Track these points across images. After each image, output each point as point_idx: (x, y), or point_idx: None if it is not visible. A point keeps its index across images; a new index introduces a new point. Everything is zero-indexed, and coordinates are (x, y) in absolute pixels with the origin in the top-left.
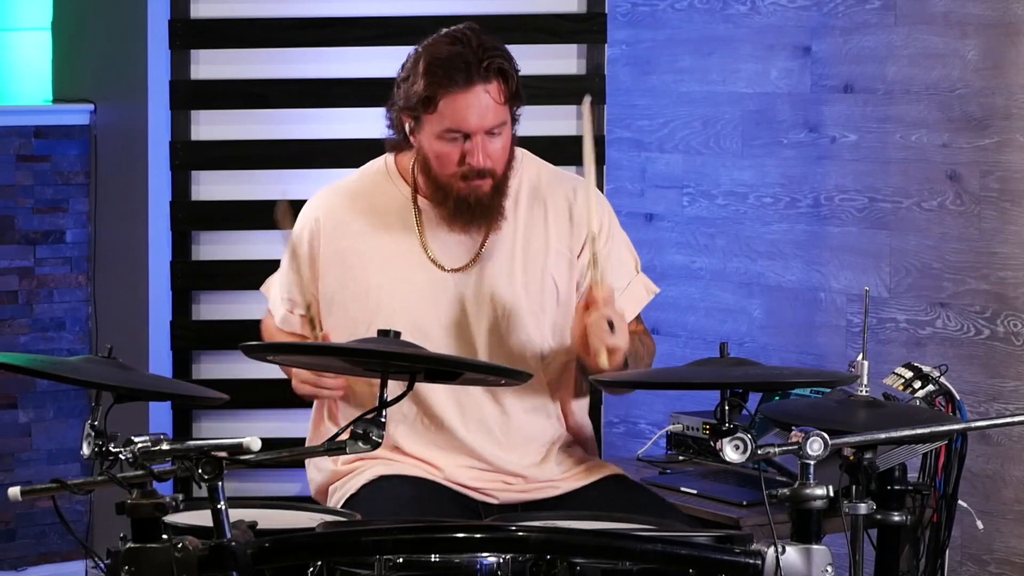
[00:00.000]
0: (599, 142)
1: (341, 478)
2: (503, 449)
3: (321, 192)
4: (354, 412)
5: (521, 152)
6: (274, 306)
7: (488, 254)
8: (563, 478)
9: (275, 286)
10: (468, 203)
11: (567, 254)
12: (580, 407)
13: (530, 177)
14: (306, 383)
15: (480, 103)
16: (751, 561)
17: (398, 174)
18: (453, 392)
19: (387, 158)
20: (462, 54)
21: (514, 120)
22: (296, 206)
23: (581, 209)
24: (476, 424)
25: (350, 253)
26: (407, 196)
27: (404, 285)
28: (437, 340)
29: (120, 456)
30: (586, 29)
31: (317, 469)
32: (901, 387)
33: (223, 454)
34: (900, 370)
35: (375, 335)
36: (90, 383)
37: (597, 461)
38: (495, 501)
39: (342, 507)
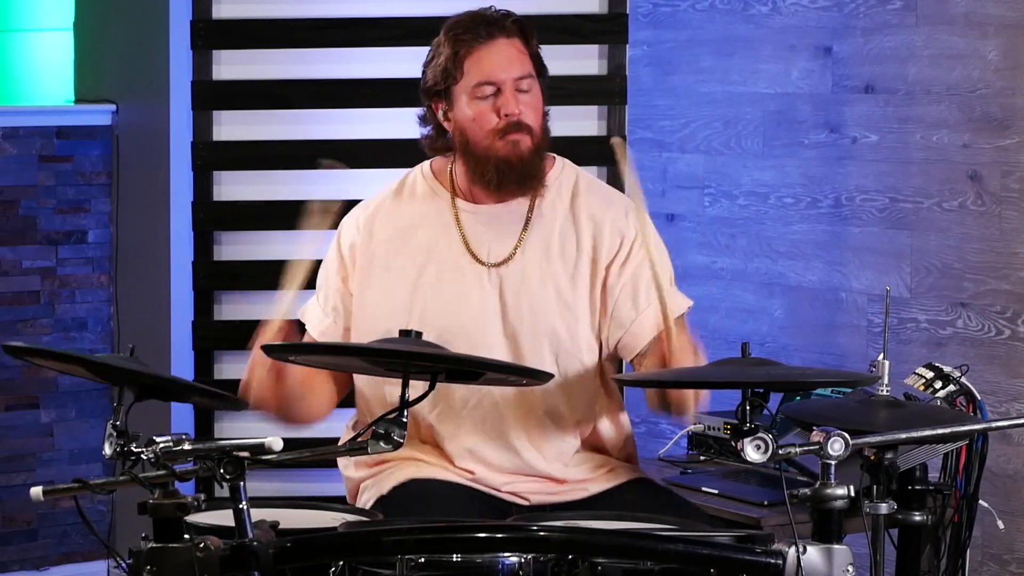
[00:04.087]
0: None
1: (371, 478)
2: (538, 447)
3: (362, 203)
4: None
5: (563, 160)
6: (312, 325)
7: (527, 248)
8: (591, 478)
9: (312, 307)
10: (511, 164)
11: (598, 261)
12: (608, 416)
13: (569, 183)
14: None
15: (505, 53)
16: (772, 561)
17: (434, 179)
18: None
19: (423, 166)
20: (481, 14)
21: (542, 83)
22: (324, 206)
23: (614, 219)
24: (517, 419)
25: (391, 255)
26: (446, 199)
27: (446, 281)
28: (476, 335)
29: (142, 456)
30: (607, 30)
31: (352, 468)
32: (922, 387)
33: (245, 454)
34: (921, 370)
35: (400, 328)
36: (114, 368)
37: (622, 464)
38: (526, 503)
39: (371, 507)
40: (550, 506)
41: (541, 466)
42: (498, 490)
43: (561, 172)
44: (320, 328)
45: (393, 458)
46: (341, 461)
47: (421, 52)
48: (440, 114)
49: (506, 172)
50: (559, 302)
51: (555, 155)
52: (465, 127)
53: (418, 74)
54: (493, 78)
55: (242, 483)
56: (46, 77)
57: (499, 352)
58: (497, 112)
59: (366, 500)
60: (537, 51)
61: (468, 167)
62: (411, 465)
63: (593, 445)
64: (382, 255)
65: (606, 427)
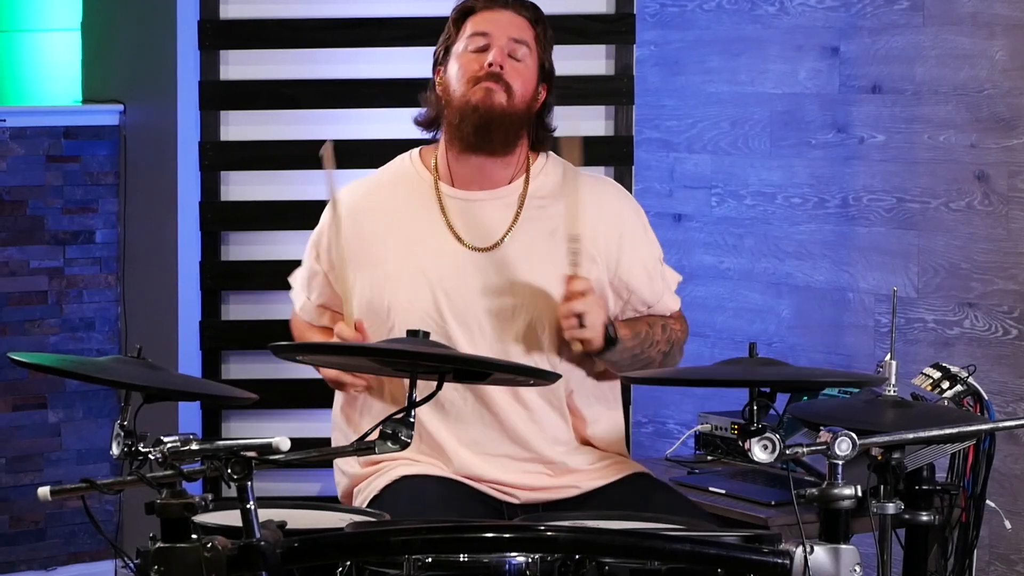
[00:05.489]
0: (626, 143)
1: (365, 479)
2: (534, 430)
3: (347, 185)
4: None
5: (548, 153)
6: (295, 295)
7: (515, 236)
8: (586, 471)
9: (299, 275)
10: (479, 112)
11: (596, 257)
12: (598, 411)
13: (556, 174)
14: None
15: (507, 17)
16: (779, 561)
17: (421, 164)
18: None
19: (411, 153)
20: None
21: (544, 70)
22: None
23: (608, 209)
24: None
25: (374, 239)
26: (430, 183)
27: (431, 265)
28: (463, 321)
29: (150, 456)
30: (615, 30)
31: (342, 472)
32: (929, 387)
33: (252, 454)
34: (928, 370)
35: (404, 317)
36: (119, 383)
37: (620, 459)
38: (516, 500)
39: (366, 508)
40: (541, 505)
41: (535, 446)
42: (490, 483)
43: (547, 163)
44: (299, 303)
45: (385, 458)
46: (335, 467)
47: (429, 52)
48: (437, 80)
49: (473, 120)
50: (547, 290)
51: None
52: (450, 80)
53: (426, 74)
54: (486, 30)
55: (249, 483)
56: (54, 77)
57: (487, 338)
58: (482, 64)
59: (360, 502)
60: (545, 45)
61: (449, 128)
62: (403, 463)
63: (585, 438)
64: (367, 241)
65: (596, 421)
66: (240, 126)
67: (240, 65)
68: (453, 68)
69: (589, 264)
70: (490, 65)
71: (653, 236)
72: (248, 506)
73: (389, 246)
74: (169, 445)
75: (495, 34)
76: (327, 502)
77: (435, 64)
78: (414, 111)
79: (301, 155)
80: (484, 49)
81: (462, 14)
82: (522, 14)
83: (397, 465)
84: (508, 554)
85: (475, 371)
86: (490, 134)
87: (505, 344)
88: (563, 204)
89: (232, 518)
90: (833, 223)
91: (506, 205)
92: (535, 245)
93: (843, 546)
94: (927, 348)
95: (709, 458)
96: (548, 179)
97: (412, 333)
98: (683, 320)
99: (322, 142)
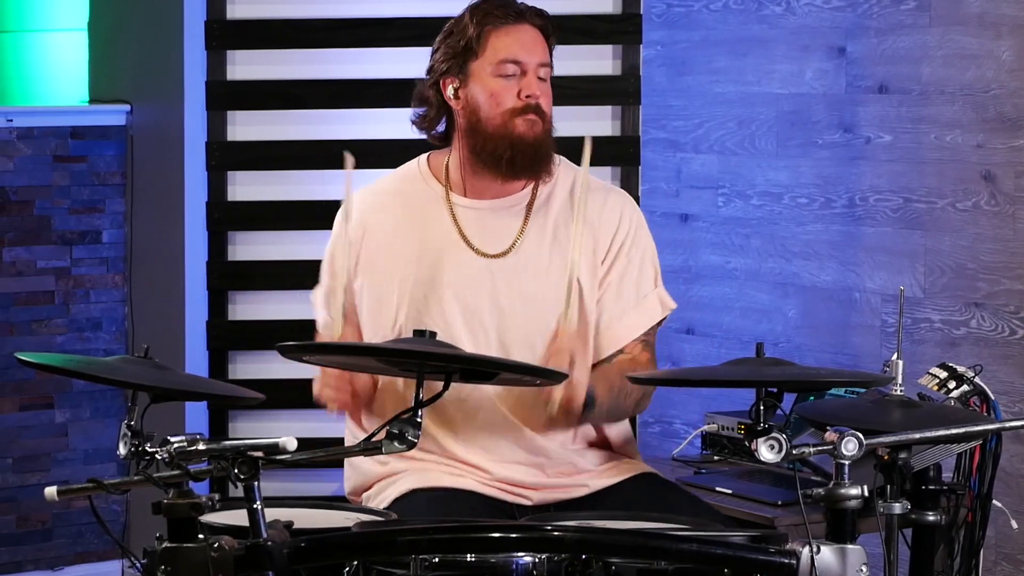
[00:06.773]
0: (633, 143)
1: (373, 485)
2: (536, 429)
3: (357, 194)
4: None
5: (560, 158)
6: (317, 314)
7: (525, 241)
8: (595, 472)
9: (319, 293)
10: (527, 143)
11: (591, 257)
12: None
13: (567, 180)
14: (329, 388)
15: (531, 37)
16: (786, 561)
17: (430, 174)
18: None
19: (419, 160)
20: (510, 1)
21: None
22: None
23: (609, 217)
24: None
25: (386, 249)
26: (440, 194)
27: (444, 275)
28: (471, 328)
29: (156, 456)
30: (621, 30)
31: (353, 469)
32: (936, 387)
33: (259, 454)
34: (935, 370)
35: (414, 328)
36: (126, 383)
37: (628, 460)
38: (528, 502)
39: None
40: (553, 505)
41: (542, 446)
42: (501, 483)
43: (558, 168)
44: (320, 318)
45: (392, 471)
46: (346, 463)
47: None
48: (449, 91)
49: (522, 150)
50: (554, 296)
51: (554, 153)
52: (480, 103)
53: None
54: (519, 58)
55: (256, 483)
56: (61, 77)
57: (493, 345)
58: (518, 93)
59: None
60: (552, 54)
61: (475, 146)
62: (412, 475)
63: (592, 440)
64: (379, 250)
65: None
66: (247, 126)
67: (247, 65)
68: (480, 93)
69: (582, 260)
70: (529, 97)
71: (652, 249)
72: (255, 506)
73: (400, 258)
74: (176, 445)
75: (527, 62)
76: (336, 502)
77: (443, 71)
78: (421, 111)
79: (308, 155)
80: (515, 75)
81: (483, 28)
82: (536, 24)
83: (407, 474)
84: (515, 554)
85: (482, 371)
86: (536, 161)
87: (513, 350)
88: (568, 211)
89: (239, 518)
90: (840, 223)
91: (516, 211)
92: (544, 250)
93: (849, 546)
94: (933, 348)
95: (716, 458)
96: (558, 186)
97: (419, 333)
98: (650, 351)
99: (328, 142)
